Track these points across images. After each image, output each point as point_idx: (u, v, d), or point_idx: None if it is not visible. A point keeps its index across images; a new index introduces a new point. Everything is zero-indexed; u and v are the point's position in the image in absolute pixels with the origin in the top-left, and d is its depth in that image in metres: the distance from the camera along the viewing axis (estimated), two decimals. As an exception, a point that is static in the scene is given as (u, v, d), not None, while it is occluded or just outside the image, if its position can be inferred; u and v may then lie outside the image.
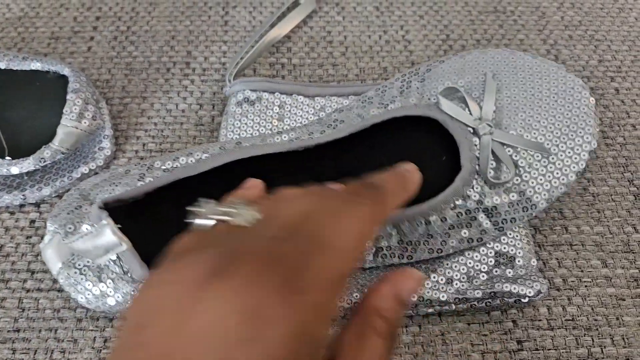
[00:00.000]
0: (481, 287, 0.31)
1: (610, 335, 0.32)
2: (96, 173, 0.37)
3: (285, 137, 0.33)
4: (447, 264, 0.31)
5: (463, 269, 0.31)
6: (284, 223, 0.20)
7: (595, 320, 0.32)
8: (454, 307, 0.31)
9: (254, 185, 0.26)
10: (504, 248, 0.32)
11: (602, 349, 0.31)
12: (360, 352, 0.20)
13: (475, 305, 0.31)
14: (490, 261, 0.32)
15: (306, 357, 0.17)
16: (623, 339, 0.32)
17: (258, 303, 0.17)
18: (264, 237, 0.19)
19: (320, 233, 0.19)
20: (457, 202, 0.31)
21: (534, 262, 0.32)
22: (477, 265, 0.32)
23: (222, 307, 0.17)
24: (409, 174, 0.25)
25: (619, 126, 0.41)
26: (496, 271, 0.31)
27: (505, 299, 0.31)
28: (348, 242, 0.20)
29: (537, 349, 0.31)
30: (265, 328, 0.17)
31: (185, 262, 0.19)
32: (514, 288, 0.31)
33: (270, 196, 0.23)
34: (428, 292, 0.31)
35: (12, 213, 0.36)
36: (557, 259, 0.34)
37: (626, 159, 0.39)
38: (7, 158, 0.34)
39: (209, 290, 0.17)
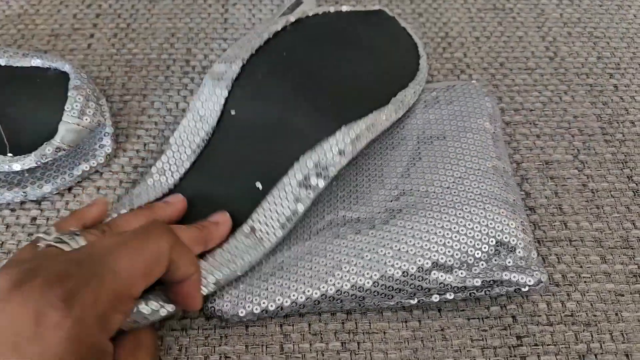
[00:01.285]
0: (480, 275, 0.31)
1: (609, 330, 0.32)
2: (97, 171, 0.37)
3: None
4: (440, 246, 0.31)
5: (457, 255, 0.31)
6: (88, 251, 0.25)
7: (594, 315, 0.32)
8: (452, 296, 0.31)
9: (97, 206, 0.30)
10: (505, 238, 0.31)
11: (601, 344, 0.31)
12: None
13: (474, 293, 0.31)
14: (491, 250, 0.31)
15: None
16: (622, 334, 0.32)
17: (42, 310, 0.22)
18: (63, 261, 0.24)
19: (107, 260, 0.24)
20: None
21: (534, 254, 0.32)
22: (471, 251, 0.31)
23: (16, 312, 0.22)
24: (216, 228, 0.31)
25: (617, 122, 0.41)
26: (495, 260, 0.31)
27: (505, 287, 0.31)
28: (129, 270, 0.24)
29: (536, 345, 0.31)
30: (46, 330, 0.22)
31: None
32: (514, 277, 0.31)
33: (107, 226, 0.29)
34: (430, 273, 0.31)
35: (12, 210, 0.36)
36: (556, 254, 0.35)
37: (625, 155, 0.39)
38: (9, 155, 0.34)
39: (8, 299, 0.22)
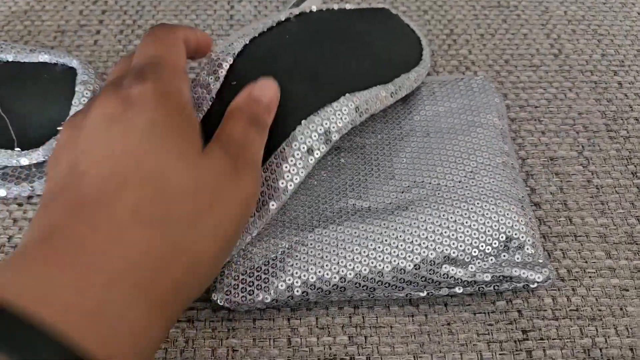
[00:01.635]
0: (490, 270, 0.31)
1: (614, 325, 0.32)
2: (104, 165, 0.37)
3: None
4: (452, 240, 0.31)
5: (468, 249, 0.31)
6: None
7: (599, 310, 0.33)
8: (461, 290, 0.31)
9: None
10: (515, 234, 0.31)
11: (606, 339, 0.32)
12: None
13: (483, 288, 0.31)
14: (501, 245, 0.31)
15: (177, 109, 0.24)
16: (627, 329, 0.32)
17: (126, 96, 0.24)
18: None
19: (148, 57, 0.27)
20: None
21: (541, 250, 0.32)
22: (482, 246, 0.31)
23: (105, 97, 0.24)
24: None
25: (622, 119, 0.41)
26: (504, 255, 0.31)
27: (514, 283, 0.31)
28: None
29: (542, 339, 0.31)
30: (132, 111, 0.23)
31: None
32: (523, 273, 0.31)
33: None
34: (442, 267, 0.31)
35: (20, 205, 0.36)
36: (562, 250, 0.35)
37: (629, 152, 0.39)
38: (17, 149, 0.34)
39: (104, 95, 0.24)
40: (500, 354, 0.31)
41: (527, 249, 0.31)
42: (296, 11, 0.37)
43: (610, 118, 0.41)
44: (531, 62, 0.44)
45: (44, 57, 0.37)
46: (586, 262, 0.34)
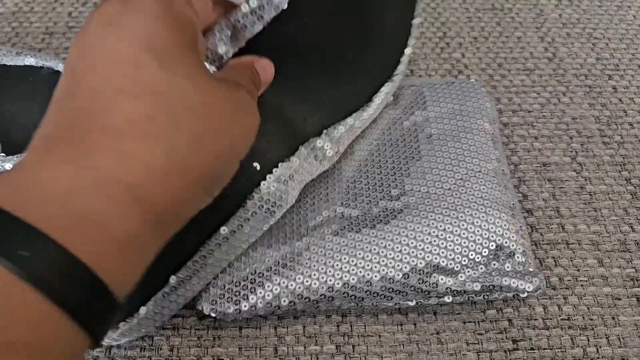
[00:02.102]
0: (479, 279, 0.31)
1: (606, 335, 0.32)
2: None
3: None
4: (441, 249, 0.30)
5: (458, 258, 0.30)
6: None
7: (591, 319, 0.32)
8: (451, 299, 0.31)
9: None
10: (505, 242, 0.31)
11: (597, 348, 0.31)
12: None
13: (472, 298, 0.31)
14: (491, 254, 0.31)
15: (178, 24, 0.22)
16: (619, 338, 0.32)
17: None
18: None
19: None
20: None
21: (532, 259, 0.32)
22: (472, 255, 0.30)
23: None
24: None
25: (616, 124, 0.40)
26: (494, 264, 0.31)
27: (504, 292, 0.31)
28: None
29: (532, 349, 0.31)
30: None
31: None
32: (513, 282, 0.31)
33: None
34: (431, 276, 0.30)
35: (5, 210, 0.35)
36: (554, 257, 0.34)
37: (623, 158, 0.39)
38: (1, 155, 0.33)
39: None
40: (489, 364, 0.30)
41: (518, 257, 0.31)
42: None
43: (604, 123, 0.40)
44: (525, 66, 0.43)
45: (29, 61, 0.36)
46: (578, 270, 0.34)
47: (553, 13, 0.47)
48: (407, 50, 0.34)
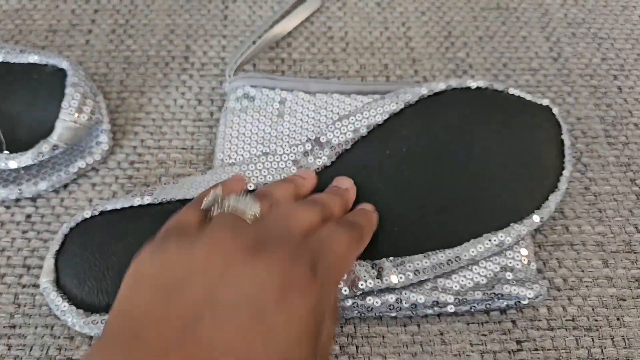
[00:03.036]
0: (481, 288, 0.31)
1: (610, 336, 0.32)
2: (93, 168, 0.37)
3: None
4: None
5: (462, 280, 0.31)
6: (294, 226, 0.25)
7: (596, 320, 0.32)
8: (453, 308, 0.31)
9: (239, 179, 0.32)
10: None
11: (602, 349, 0.31)
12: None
13: (475, 307, 0.31)
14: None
15: (316, 325, 0.22)
16: (624, 339, 0.31)
17: (291, 277, 0.22)
18: (284, 232, 0.25)
19: (322, 239, 0.25)
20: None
21: (533, 265, 0.32)
22: (476, 278, 0.31)
23: (261, 276, 0.21)
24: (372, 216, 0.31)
25: (621, 125, 0.40)
26: (497, 275, 0.31)
27: (505, 300, 0.31)
28: (341, 252, 0.26)
29: (536, 349, 0.31)
30: (294, 297, 0.21)
31: (222, 236, 0.23)
32: (514, 290, 0.31)
33: (259, 195, 0.28)
34: (429, 293, 0.31)
35: (7, 207, 0.35)
36: (558, 259, 0.34)
37: (628, 158, 0.39)
38: (5, 152, 0.33)
39: (252, 265, 0.22)
40: (493, 365, 0.30)
41: (519, 266, 0.31)
42: (424, 92, 0.33)
43: (609, 123, 0.40)
44: (530, 66, 0.43)
45: (33, 58, 0.36)
46: (583, 271, 0.34)
47: (558, 13, 0.47)
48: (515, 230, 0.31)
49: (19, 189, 0.35)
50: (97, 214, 0.32)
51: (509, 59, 0.44)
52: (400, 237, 0.31)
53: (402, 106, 0.33)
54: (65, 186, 0.36)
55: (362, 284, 0.29)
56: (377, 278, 0.29)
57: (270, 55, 0.43)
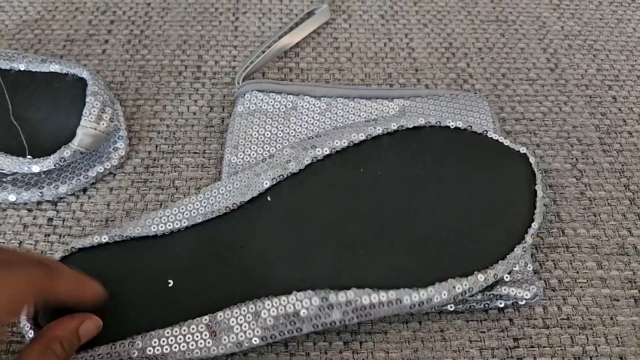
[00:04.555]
0: (480, 289, 0.32)
1: (604, 334, 0.33)
2: (110, 172, 0.39)
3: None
4: None
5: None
6: None
7: (590, 319, 0.33)
8: (453, 307, 0.32)
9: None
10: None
11: (596, 347, 0.32)
12: None
13: (474, 306, 0.32)
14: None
15: None
16: (617, 338, 0.33)
17: None
18: None
19: None
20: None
21: (529, 267, 0.33)
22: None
23: None
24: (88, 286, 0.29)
25: (615, 133, 0.42)
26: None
27: (504, 301, 0.32)
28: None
29: (532, 347, 0.32)
30: None
31: None
32: (512, 291, 0.32)
33: None
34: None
35: (29, 210, 0.37)
36: (553, 260, 0.36)
37: (622, 165, 0.40)
38: (28, 157, 0.35)
39: None
40: (491, 361, 0.32)
41: (516, 267, 0.32)
42: (393, 126, 0.33)
43: (604, 132, 0.42)
44: (527, 76, 0.45)
45: (54, 67, 0.38)
46: (577, 272, 0.35)
47: (555, 25, 0.49)
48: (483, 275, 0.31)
49: (41, 192, 0.36)
50: (71, 252, 0.32)
51: (508, 69, 0.45)
52: (363, 263, 0.30)
53: (380, 132, 0.33)
54: (84, 190, 0.38)
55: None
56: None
57: (278, 65, 0.45)
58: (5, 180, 0.36)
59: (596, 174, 0.40)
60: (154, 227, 0.33)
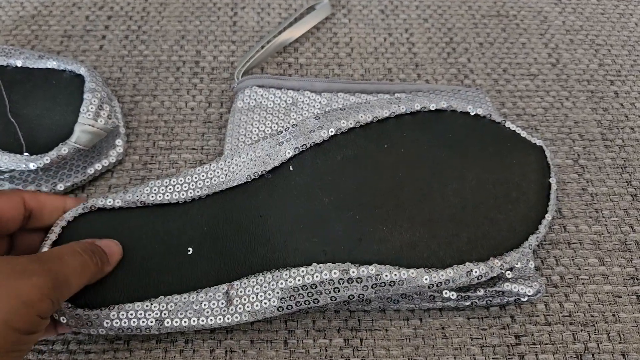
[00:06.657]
0: (483, 285, 0.32)
1: (606, 331, 0.33)
2: (109, 170, 0.38)
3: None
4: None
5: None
6: None
7: (592, 316, 0.33)
8: (455, 303, 0.32)
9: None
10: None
11: (598, 344, 0.32)
12: None
13: (476, 303, 0.32)
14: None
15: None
16: (619, 334, 0.33)
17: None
18: None
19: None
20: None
21: (531, 263, 0.33)
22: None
23: None
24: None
25: (617, 128, 0.41)
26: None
27: (506, 297, 0.32)
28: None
29: (534, 344, 0.32)
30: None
31: None
32: (515, 287, 0.32)
33: None
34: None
35: (27, 207, 0.37)
36: (555, 257, 0.35)
37: (624, 161, 0.40)
38: (25, 154, 0.35)
39: None
40: (493, 358, 0.32)
41: (519, 264, 0.32)
42: (403, 108, 0.33)
43: (606, 127, 0.42)
44: (529, 71, 0.45)
45: (52, 64, 0.38)
46: (579, 268, 0.35)
47: (557, 20, 0.48)
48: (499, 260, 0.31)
49: (38, 190, 0.36)
50: (89, 211, 0.32)
51: (509, 64, 0.45)
52: (383, 238, 0.30)
53: (404, 111, 0.34)
54: (82, 188, 0.38)
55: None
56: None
57: (277, 60, 0.45)
58: (2, 177, 0.36)
59: (598, 170, 0.39)
60: (176, 195, 0.32)
